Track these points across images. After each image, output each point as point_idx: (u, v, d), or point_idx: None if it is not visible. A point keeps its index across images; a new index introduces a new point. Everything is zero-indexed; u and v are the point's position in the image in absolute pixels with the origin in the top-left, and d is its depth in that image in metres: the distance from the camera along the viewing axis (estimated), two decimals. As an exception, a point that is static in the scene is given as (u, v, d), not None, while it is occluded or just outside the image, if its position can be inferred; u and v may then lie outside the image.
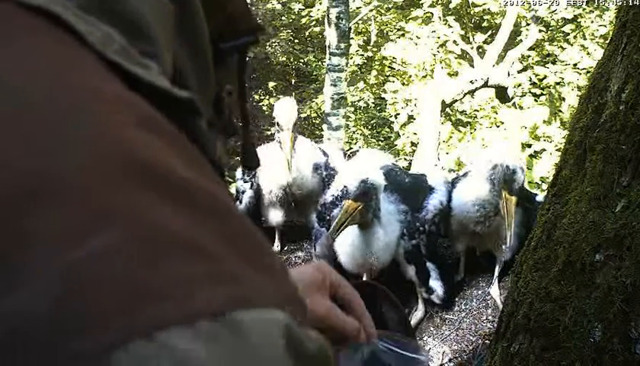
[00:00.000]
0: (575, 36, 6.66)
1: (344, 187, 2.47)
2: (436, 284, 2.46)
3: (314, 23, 7.65)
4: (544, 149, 6.23)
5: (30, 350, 0.20)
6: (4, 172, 0.23)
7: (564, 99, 6.50)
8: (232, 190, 2.82)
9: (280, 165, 2.53)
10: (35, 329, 0.20)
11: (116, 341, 0.20)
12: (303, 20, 7.83)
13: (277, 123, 2.52)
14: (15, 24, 0.28)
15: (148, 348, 0.21)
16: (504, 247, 2.41)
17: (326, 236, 2.46)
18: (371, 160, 2.57)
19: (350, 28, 5.14)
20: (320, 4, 7.30)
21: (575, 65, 6.51)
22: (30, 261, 0.21)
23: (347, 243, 2.31)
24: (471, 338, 2.49)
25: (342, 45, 4.96)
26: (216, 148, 0.41)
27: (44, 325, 0.20)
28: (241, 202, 2.72)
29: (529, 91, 6.72)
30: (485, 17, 7.36)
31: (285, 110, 2.51)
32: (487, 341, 2.37)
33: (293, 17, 8.00)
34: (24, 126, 0.24)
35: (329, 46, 4.98)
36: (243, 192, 2.73)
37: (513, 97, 6.31)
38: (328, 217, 2.47)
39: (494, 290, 2.56)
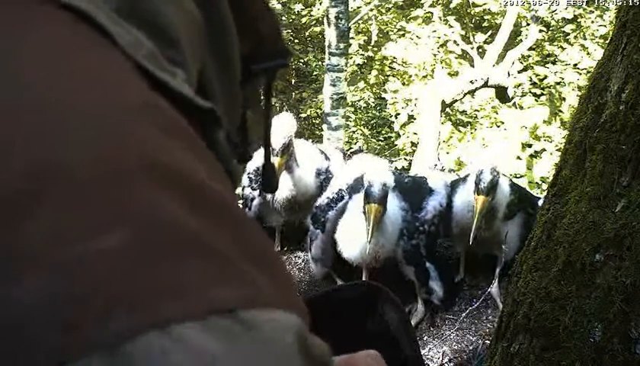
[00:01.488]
0: (575, 36, 6.66)
1: (340, 190, 2.49)
2: (435, 284, 2.46)
3: (314, 23, 7.65)
4: (544, 149, 6.23)
5: (41, 339, 0.20)
6: (19, 163, 0.23)
7: (564, 99, 6.50)
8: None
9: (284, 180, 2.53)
10: (46, 318, 0.20)
11: (130, 332, 0.21)
12: (303, 20, 7.83)
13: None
14: (46, 21, 0.28)
15: (162, 340, 0.21)
16: (503, 247, 2.42)
17: (322, 239, 2.48)
18: (371, 163, 2.59)
19: (349, 28, 5.13)
20: (320, 4, 7.30)
21: (575, 65, 6.51)
22: (43, 253, 0.21)
23: (350, 234, 2.32)
24: (471, 338, 2.49)
25: (341, 45, 4.96)
26: (232, 161, 0.42)
27: (54, 315, 0.21)
28: (250, 209, 2.74)
29: (530, 91, 6.73)
30: (486, 17, 7.36)
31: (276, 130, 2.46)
32: (487, 341, 2.37)
33: (293, 17, 8.00)
34: (47, 120, 0.24)
35: (329, 46, 4.98)
36: (252, 199, 2.75)
37: (513, 97, 6.31)
38: (322, 219, 2.49)
39: (494, 290, 2.56)
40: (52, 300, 0.21)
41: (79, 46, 0.28)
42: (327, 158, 2.80)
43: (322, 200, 2.55)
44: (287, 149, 2.41)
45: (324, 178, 2.70)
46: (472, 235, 2.25)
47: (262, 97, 0.51)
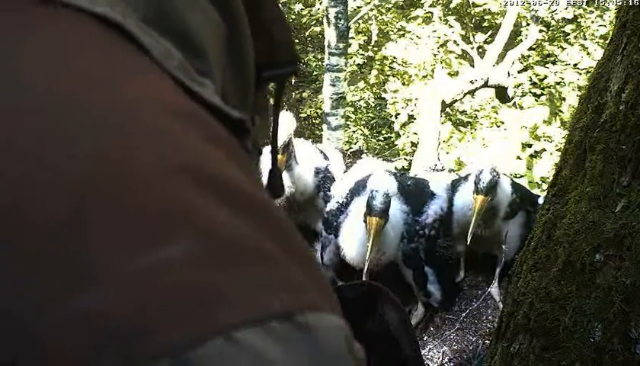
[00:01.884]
0: (575, 37, 6.66)
1: (348, 194, 2.48)
2: (434, 287, 2.47)
3: (314, 23, 7.65)
4: (544, 149, 6.23)
5: (107, 349, 0.21)
6: (74, 172, 0.23)
7: (564, 99, 6.50)
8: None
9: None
10: (111, 327, 0.21)
11: (195, 340, 0.21)
12: (303, 20, 7.83)
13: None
14: (79, 32, 0.28)
15: (226, 346, 0.21)
16: (503, 247, 2.42)
17: (335, 244, 2.47)
18: (375, 168, 2.59)
19: (348, 28, 5.13)
20: (320, 3, 7.30)
21: (575, 65, 6.51)
22: (106, 261, 0.22)
23: (354, 239, 2.32)
24: (471, 338, 2.49)
25: (341, 45, 4.95)
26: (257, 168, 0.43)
27: (121, 322, 0.21)
28: None
29: (530, 91, 6.72)
30: (486, 17, 7.36)
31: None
32: (487, 341, 2.37)
33: (293, 16, 8.00)
34: (100, 131, 0.25)
35: (328, 46, 4.98)
36: None
37: (513, 97, 6.31)
38: (335, 223, 2.48)
39: (494, 290, 2.56)
40: (117, 310, 0.21)
41: (117, 58, 0.28)
42: (326, 157, 2.81)
43: (332, 205, 2.54)
44: (287, 148, 2.42)
45: (322, 176, 2.69)
46: (469, 234, 2.25)
47: (271, 104, 0.51)
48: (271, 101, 0.51)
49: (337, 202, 2.52)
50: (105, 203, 0.23)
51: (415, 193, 2.51)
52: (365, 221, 2.19)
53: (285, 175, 2.52)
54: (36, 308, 0.21)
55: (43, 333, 0.21)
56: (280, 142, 2.37)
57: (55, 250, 0.22)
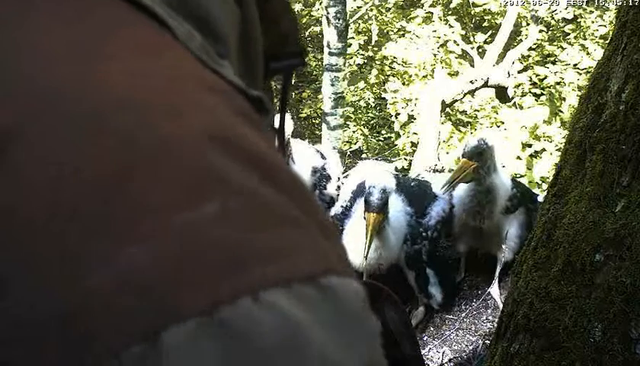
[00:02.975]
0: (575, 37, 6.66)
1: (351, 196, 2.48)
2: (435, 290, 2.47)
3: (314, 23, 7.65)
4: (544, 149, 6.22)
5: (142, 303, 0.21)
6: (115, 139, 0.24)
7: (564, 99, 6.50)
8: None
9: None
10: (147, 283, 0.22)
11: (225, 298, 0.22)
12: (303, 20, 7.82)
13: None
14: (106, 13, 0.29)
15: (254, 306, 0.22)
16: (503, 247, 2.42)
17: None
18: (375, 168, 2.59)
19: (347, 26, 5.13)
20: (320, 3, 7.29)
21: (575, 65, 6.51)
22: (145, 220, 0.23)
23: (352, 241, 2.31)
24: (471, 338, 2.49)
25: (340, 44, 4.96)
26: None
27: (157, 279, 0.22)
28: None
29: (530, 91, 6.72)
30: (486, 17, 7.36)
31: None
32: (487, 342, 2.37)
33: (293, 17, 7.98)
34: (140, 104, 0.26)
35: (327, 46, 4.98)
36: None
37: (513, 97, 6.30)
38: (341, 227, 2.48)
39: (494, 290, 2.56)
40: (154, 267, 0.22)
41: (149, 40, 0.29)
42: (323, 157, 2.81)
43: (337, 209, 2.54)
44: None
45: (319, 175, 2.69)
46: (447, 184, 2.31)
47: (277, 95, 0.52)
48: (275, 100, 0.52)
49: (342, 206, 2.52)
50: (145, 167, 0.24)
51: (419, 194, 2.51)
52: (365, 218, 2.19)
53: None
54: (82, 265, 0.22)
55: (90, 291, 0.22)
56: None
57: (98, 209, 0.23)
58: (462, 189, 2.42)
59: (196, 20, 0.32)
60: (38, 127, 0.24)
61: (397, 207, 2.32)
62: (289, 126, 2.45)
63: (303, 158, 2.64)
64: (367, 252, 2.14)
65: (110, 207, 0.23)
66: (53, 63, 0.27)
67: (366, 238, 2.14)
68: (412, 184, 2.59)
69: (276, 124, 0.53)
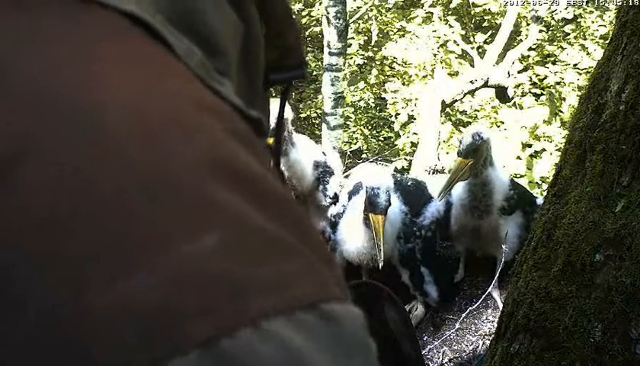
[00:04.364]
0: (575, 37, 6.66)
1: (350, 195, 2.49)
2: (430, 288, 2.47)
3: (314, 23, 7.65)
4: (544, 149, 6.23)
5: (144, 331, 0.21)
6: (122, 166, 0.24)
7: (564, 99, 6.50)
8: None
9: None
10: (149, 312, 0.22)
11: (225, 329, 0.22)
12: (303, 20, 7.82)
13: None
14: (109, 28, 0.29)
15: (254, 336, 0.22)
16: (503, 247, 2.42)
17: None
18: (374, 170, 2.60)
19: (346, 26, 5.13)
20: (320, 3, 7.29)
21: (575, 65, 6.51)
22: (146, 250, 0.23)
23: (354, 236, 2.32)
24: (471, 338, 2.49)
25: (340, 44, 4.96)
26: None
27: (156, 309, 0.22)
28: None
29: (530, 91, 6.72)
30: (486, 17, 7.36)
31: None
32: (487, 342, 2.37)
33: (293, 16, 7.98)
34: (140, 128, 0.26)
35: (327, 46, 4.98)
36: None
37: (513, 97, 6.31)
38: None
39: (494, 290, 2.56)
40: (153, 298, 0.22)
41: (149, 56, 0.29)
42: (324, 154, 2.81)
43: (338, 209, 2.55)
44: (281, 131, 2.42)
45: (321, 170, 2.69)
46: (443, 190, 2.28)
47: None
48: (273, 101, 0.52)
49: (343, 205, 2.53)
50: (142, 194, 0.24)
51: (415, 194, 2.51)
52: (367, 218, 2.17)
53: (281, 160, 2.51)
54: (80, 294, 0.22)
55: (85, 319, 0.21)
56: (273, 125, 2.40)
57: (98, 238, 0.23)
58: (458, 186, 2.42)
59: (196, 35, 0.32)
60: (49, 140, 0.24)
61: (392, 204, 2.32)
62: (289, 114, 2.45)
63: (305, 150, 2.63)
64: (382, 255, 2.12)
65: (109, 229, 0.23)
66: (56, 67, 0.26)
67: (376, 240, 2.12)
68: (409, 183, 2.59)
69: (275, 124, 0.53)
